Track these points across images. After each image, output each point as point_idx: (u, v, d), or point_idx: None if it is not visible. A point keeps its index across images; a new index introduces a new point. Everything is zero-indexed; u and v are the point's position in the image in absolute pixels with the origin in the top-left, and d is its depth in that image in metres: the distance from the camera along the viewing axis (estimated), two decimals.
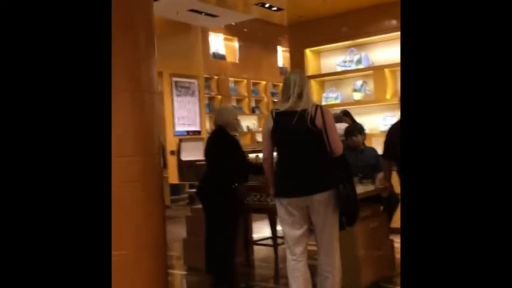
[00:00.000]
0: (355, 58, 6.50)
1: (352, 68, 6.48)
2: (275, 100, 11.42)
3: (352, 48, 6.56)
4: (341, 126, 4.96)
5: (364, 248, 3.64)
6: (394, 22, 6.18)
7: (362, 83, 6.48)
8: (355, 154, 4.39)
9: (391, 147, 3.82)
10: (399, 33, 5.98)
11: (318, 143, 2.81)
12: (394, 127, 4.02)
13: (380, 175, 4.05)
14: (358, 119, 5.96)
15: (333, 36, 6.61)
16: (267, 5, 6.23)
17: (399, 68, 6.10)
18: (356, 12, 6.37)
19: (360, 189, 3.63)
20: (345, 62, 6.59)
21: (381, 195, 4.01)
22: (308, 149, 2.83)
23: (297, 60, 7.03)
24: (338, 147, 2.83)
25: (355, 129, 4.54)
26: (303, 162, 2.82)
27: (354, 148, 4.43)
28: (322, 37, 6.71)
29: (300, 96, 2.85)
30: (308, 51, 6.90)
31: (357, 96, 6.47)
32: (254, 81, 11.31)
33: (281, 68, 12.20)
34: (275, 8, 6.35)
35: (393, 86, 6.20)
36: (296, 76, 2.94)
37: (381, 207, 4.17)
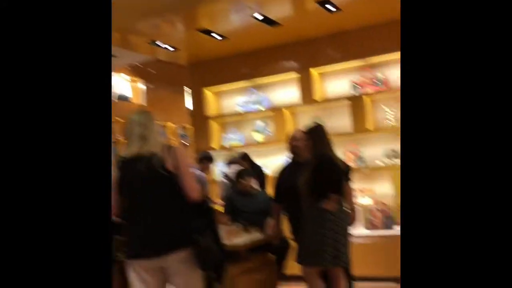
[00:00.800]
0: (255, 98, 6.35)
1: (253, 109, 6.32)
2: (185, 143, 11.05)
3: (252, 89, 6.41)
4: (234, 169, 4.69)
5: None
6: (292, 63, 6.13)
7: (262, 124, 6.32)
8: (247, 199, 4.11)
9: (282, 190, 3.59)
10: (297, 74, 5.85)
11: (171, 190, 2.43)
12: (285, 169, 3.80)
13: (271, 222, 3.77)
14: (260, 161, 5.75)
15: (232, 76, 6.44)
16: (163, 46, 5.95)
17: (298, 108, 6.07)
18: (255, 52, 6.27)
19: (245, 238, 3.32)
20: (245, 102, 6.41)
21: (271, 243, 3.72)
22: (160, 198, 2.43)
23: (198, 100, 6.78)
24: (193, 192, 2.44)
25: (244, 172, 4.28)
26: (154, 214, 2.41)
27: (245, 192, 4.15)
28: (221, 77, 6.52)
29: (144, 138, 2.47)
30: (207, 91, 6.66)
31: (259, 137, 6.29)
32: (162, 123, 10.90)
33: (190, 109, 11.90)
34: (172, 48, 6.08)
35: (293, 126, 6.08)
36: (140, 116, 2.56)
37: (272, 256, 3.88)
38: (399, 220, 4.39)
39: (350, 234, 3.23)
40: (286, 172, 3.75)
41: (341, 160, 3.40)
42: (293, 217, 3.49)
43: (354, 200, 3.56)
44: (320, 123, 3.57)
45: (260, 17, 5.05)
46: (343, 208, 3.20)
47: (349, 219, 3.27)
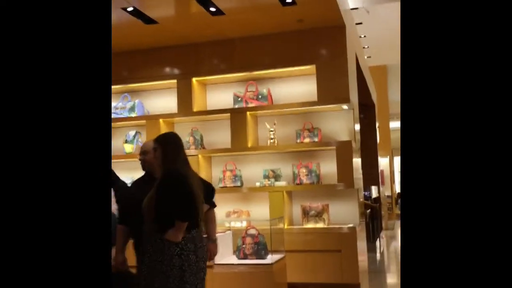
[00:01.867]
0: (129, 105, 5.68)
1: (125, 116, 5.64)
2: None
3: (126, 94, 5.74)
4: None
5: None
6: (172, 69, 5.57)
7: (135, 133, 5.65)
8: None
9: (126, 210, 2.97)
10: (176, 81, 5.24)
11: None
12: (133, 185, 3.21)
13: (115, 247, 3.07)
14: (127, 175, 5.07)
15: None
16: None
17: (175, 119, 5.53)
18: (130, 53, 5.63)
19: None
20: (117, 108, 5.71)
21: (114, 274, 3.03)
22: None
23: None
24: None
25: None
26: None
27: None
28: None
29: None
30: None
31: (128, 148, 5.60)
32: None
33: None
34: None
35: None
36: None
37: None
38: (271, 247, 4.00)
39: (204, 271, 2.67)
40: (133, 189, 3.16)
41: (200, 179, 2.85)
42: (137, 245, 2.89)
43: (216, 227, 3.02)
44: (174, 132, 2.95)
45: (131, 9, 4.46)
46: (197, 239, 2.63)
47: (206, 252, 2.74)
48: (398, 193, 19.00)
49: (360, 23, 9.75)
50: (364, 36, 10.78)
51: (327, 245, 4.85)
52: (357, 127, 5.54)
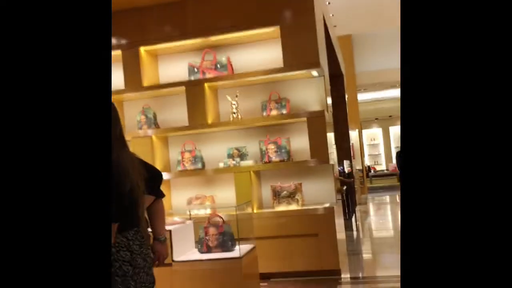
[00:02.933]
0: None
1: None
2: None
3: None
4: None
5: None
6: (116, 39, 4.86)
7: None
8: None
9: None
10: (119, 52, 4.51)
11: None
12: None
13: None
14: None
15: None
16: None
17: (122, 96, 4.84)
18: None
19: None
20: None
21: None
22: None
23: None
24: None
25: None
26: None
27: None
28: None
29: None
30: None
31: None
32: None
33: None
34: None
35: None
36: None
37: None
38: (239, 237, 3.43)
39: (148, 283, 2.05)
40: None
41: (142, 163, 2.20)
42: None
43: (165, 222, 2.41)
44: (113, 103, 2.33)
45: None
46: (134, 243, 1.98)
47: (152, 257, 2.11)
48: (368, 165, 18.82)
49: None
50: (329, 3, 10.21)
51: (302, 229, 4.32)
52: (329, 97, 4.99)
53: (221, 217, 3.52)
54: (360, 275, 4.65)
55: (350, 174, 9.18)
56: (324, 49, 5.19)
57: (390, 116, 20.98)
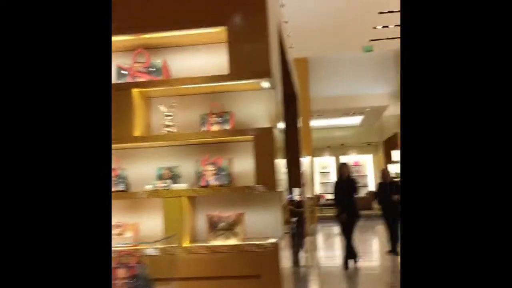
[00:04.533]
0: None
1: None
2: None
3: None
4: None
5: None
6: None
7: None
8: None
9: None
10: None
11: None
12: None
13: None
14: None
15: None
16: None
17: None
18: None
19: None
20: None
21: None
22: None
23: None
24: None
25: None
26: None
27: None
28: None
29: None
30: None
31: None
32: None
33: None
34: None
35: None
36: None
37: None
38: (157, 278, 2.67)
39: None
40: None
41: None
42: None
43: None
44: None
45: None
46: None
47: None
48: (317, 195, 18.40)
49: (283, 5, 8.70)
50: (286, 22, 9.75)
51: (242, 269, 3.59)
52: (281, 119, 4.35)
53: (136, 255, 2.75)
54: None
55: (301, 203, 8.57)
56: (277, 60, 4.58)
57: (342, 145, 20.77)
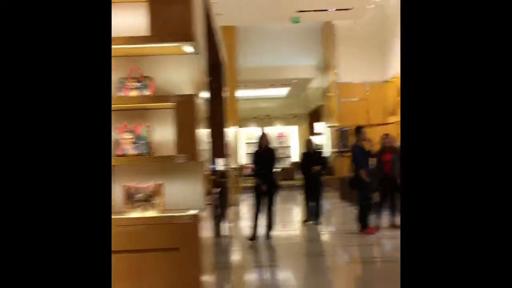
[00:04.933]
0: None
1: None
2: None
3: None
4: None
5: None
6: None
7: None
8: None
9: None
10: None
11: None
12: None
13: None
14: None
15: None
16: None
17: None
18: None
19: None
20: None
21: None
22: None
23: None
24: None
25: None
26: None
27: None
28: None
29: None
30: None
31: None
32: None
33: None
34: None
35: None
36: None
37: None
38: None
39: None
40: None
41: None
42: None
43: None
44: None
45: None
46: None
47: None
48: (242, 165, 18.50)
49: None
50: None
51: (161, 242, 3.46)
52: (206, 86, 4.18)
53: None
54: None
55: (224, 174, 8.50)
56: (203, 25, 4.38)
57: (268, 116, 20.90)
